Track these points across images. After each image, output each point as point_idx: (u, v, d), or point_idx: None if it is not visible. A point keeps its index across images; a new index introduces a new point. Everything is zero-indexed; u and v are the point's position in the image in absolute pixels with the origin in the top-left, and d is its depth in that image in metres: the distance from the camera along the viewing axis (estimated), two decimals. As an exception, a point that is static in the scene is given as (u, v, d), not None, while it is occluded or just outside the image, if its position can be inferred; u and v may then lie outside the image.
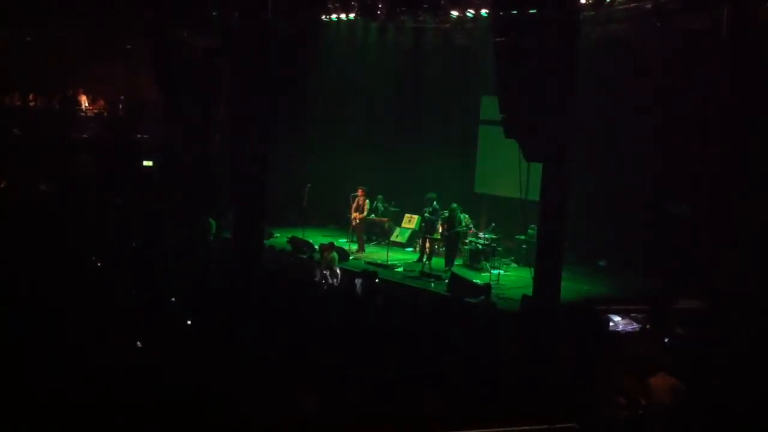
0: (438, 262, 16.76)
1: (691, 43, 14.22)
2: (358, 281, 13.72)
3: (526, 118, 12.02)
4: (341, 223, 19.11)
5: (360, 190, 17.94)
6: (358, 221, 17.90)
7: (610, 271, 16.13)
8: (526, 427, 4.67)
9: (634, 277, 15.25)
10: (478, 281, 14.89)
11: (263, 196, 14.50)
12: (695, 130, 14.35)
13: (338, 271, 14.02)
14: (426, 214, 16.88)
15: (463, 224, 16.69)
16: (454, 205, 16.56)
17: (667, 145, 15.14)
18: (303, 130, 20.40)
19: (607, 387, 8.16)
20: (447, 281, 14.86)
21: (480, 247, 16.56)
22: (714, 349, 9.97)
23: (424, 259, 16.67)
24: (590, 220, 16.09)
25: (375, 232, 18.80)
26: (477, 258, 16.53)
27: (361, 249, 17.77)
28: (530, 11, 11.39)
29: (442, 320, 11.27)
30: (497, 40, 12.01)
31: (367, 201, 17.99)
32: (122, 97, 22.42)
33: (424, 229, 17.01)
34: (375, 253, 17.62)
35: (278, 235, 18.48)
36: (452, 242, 16.56)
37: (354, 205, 17.93)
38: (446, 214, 16.50)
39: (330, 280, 13.65)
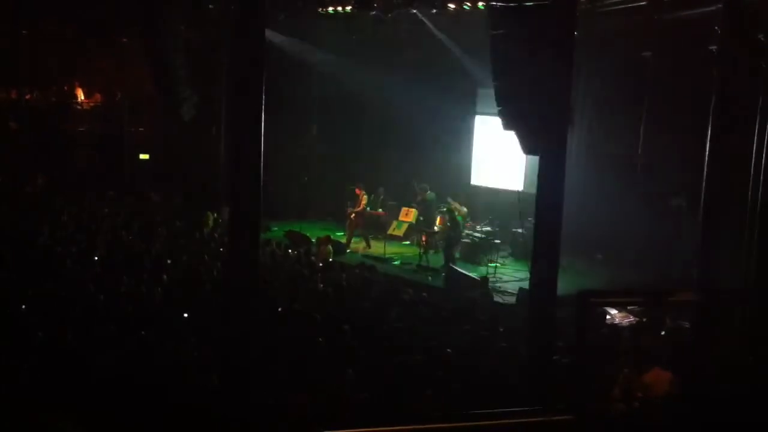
0: (434, 257, 16.68)
1: (687, 35, 14.16)
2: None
3: (524, 110, 11.96)
4: (339, 217, 19.03)
5: (357, 189, 17.85)
6: (353, 217, 17.80)
7: (606, 263, 16.10)
8: (522, 420, 4.64)
9: (631, 269, 15.22)
10: (474, 275, 14.86)
11: (260, 188, 14.42)
12: (692, 121, 14.30)
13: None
14: (416, 204, 16.76)
15: (462, 224, 16.51)
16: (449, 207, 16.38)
17: (665, 136, 15.08)
18: (300, 123, 20.32)
19: (603, 380, 8.14)
20: (444, 275, 14.82)
21: (477, 240, 16.49)
22: (710, 342, 9.96)
23: (421, 252, 16.58)
24: (587, 213, 16.05)
25: (373, 227, 18.45)
26: (474, 251, 16.47)
27: (348, 245, 17.56)
28: (527, 2, 11.33)
29: (439, 314, 11.27)
30: (494, 31, 11.94)
31: (365, 195, 17.85)
32: (118, 91, 22.35)
33: (423, 223, 16.91)
34: (372, 247, 17.52)
35: (275, 228, 18.42)
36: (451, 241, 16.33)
37: (355, 204, 17.84)
38: (444, 210, 16.31)
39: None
